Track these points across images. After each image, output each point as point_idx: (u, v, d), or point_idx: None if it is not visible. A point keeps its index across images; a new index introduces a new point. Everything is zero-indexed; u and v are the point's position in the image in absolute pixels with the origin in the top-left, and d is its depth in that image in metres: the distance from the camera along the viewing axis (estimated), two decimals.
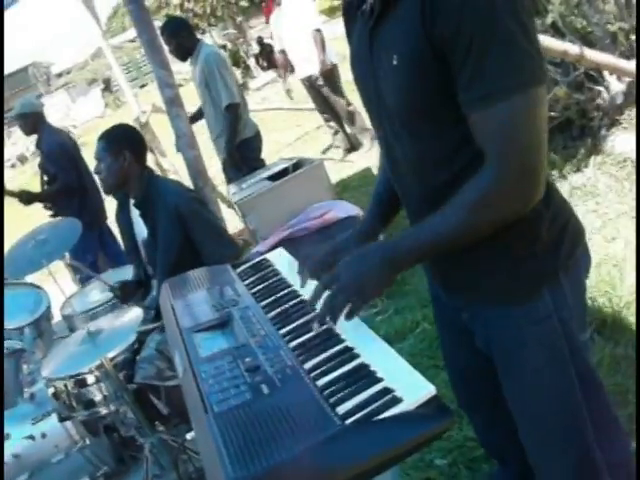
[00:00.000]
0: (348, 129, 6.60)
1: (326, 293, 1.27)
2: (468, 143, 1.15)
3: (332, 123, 6.63)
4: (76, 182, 4.49)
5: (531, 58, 1.05)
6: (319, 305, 1.27)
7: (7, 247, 3.40)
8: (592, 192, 3.67)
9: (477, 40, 1.03)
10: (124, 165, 2.62)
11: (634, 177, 3.62)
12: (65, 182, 4.51)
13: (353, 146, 6.62)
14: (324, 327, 1.26)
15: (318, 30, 5.87)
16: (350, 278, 1.21)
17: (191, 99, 5.69)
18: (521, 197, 1.13)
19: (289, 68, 6.85)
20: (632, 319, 2.61)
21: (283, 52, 6.49)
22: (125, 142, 2.67)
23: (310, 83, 6.35)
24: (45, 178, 4.74)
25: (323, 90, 6.26)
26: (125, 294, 2.93)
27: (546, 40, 3.67)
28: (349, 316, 1.23)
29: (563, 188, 3.81)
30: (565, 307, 1.27)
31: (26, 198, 4.71)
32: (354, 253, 1.27)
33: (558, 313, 1.26)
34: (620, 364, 2.40)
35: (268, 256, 1.80)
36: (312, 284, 1.47)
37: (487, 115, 1.08)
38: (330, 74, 6.10)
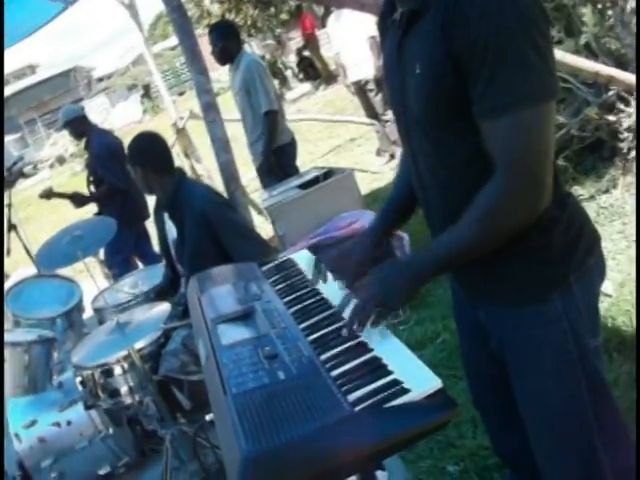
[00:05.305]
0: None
1: (353, 301, 1.35)
2: (483, 154, 1.21)
3: (378, 127, 6.70)
4: (122, 183, 4.58)
5: (541, 75, 1.12)
6: (347, 312, 1.35)
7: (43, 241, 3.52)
8: (619, 213, 3.67)
9: (491, 54, 1.11)
10: (139, 177, 2.75)
11: None
12: (112, 184, 4.62)
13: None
14: (353, 333, 1.32)
15: (374, 37, 5.94)
16: (380, 289, 1.30)
17: (227, 107, 5.82)
18: (528, 205, 1.19)
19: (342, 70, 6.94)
20: None
21: (338, 54, 6.62)
22: (136, 157, 2.75)
23: (359, 87, 6.44)
24: (91, 178, 4.87)
25: (370, 95, 6.36)
26: (161, 298, 2.99)
27: (578, 61, 3.69)
28: (375, 323, 1.31)
29: (591, 208, 3.82)
30: (575, 311, 1.31)
31: (79, 200, 4.85)
32: (385, 266, 1.35)
33: (568, 317, 1.30)
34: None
35: (293, 256, 1.87)
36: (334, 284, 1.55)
37: (496, 126, 1.15)
38: (383, 80, 6.17)
